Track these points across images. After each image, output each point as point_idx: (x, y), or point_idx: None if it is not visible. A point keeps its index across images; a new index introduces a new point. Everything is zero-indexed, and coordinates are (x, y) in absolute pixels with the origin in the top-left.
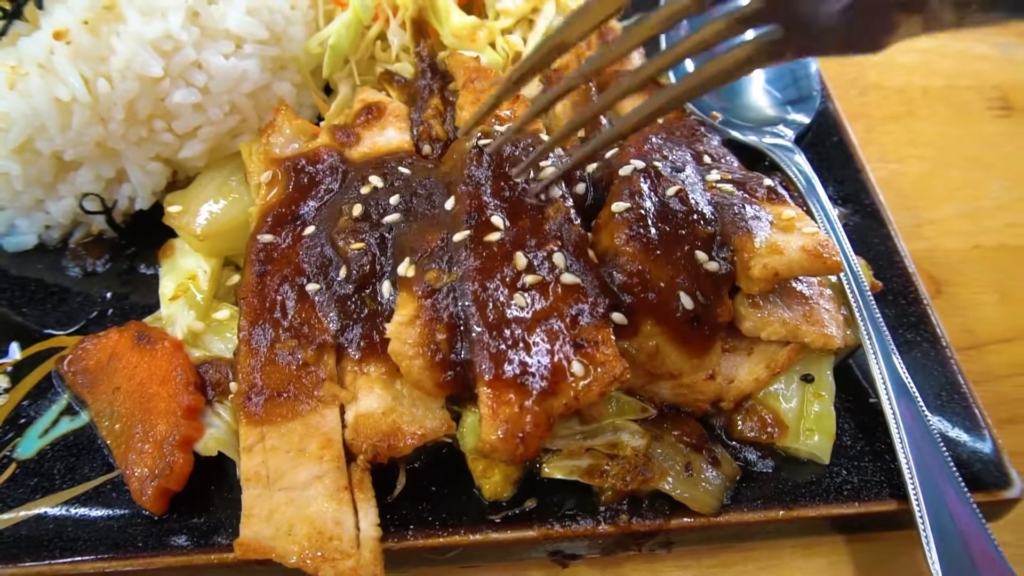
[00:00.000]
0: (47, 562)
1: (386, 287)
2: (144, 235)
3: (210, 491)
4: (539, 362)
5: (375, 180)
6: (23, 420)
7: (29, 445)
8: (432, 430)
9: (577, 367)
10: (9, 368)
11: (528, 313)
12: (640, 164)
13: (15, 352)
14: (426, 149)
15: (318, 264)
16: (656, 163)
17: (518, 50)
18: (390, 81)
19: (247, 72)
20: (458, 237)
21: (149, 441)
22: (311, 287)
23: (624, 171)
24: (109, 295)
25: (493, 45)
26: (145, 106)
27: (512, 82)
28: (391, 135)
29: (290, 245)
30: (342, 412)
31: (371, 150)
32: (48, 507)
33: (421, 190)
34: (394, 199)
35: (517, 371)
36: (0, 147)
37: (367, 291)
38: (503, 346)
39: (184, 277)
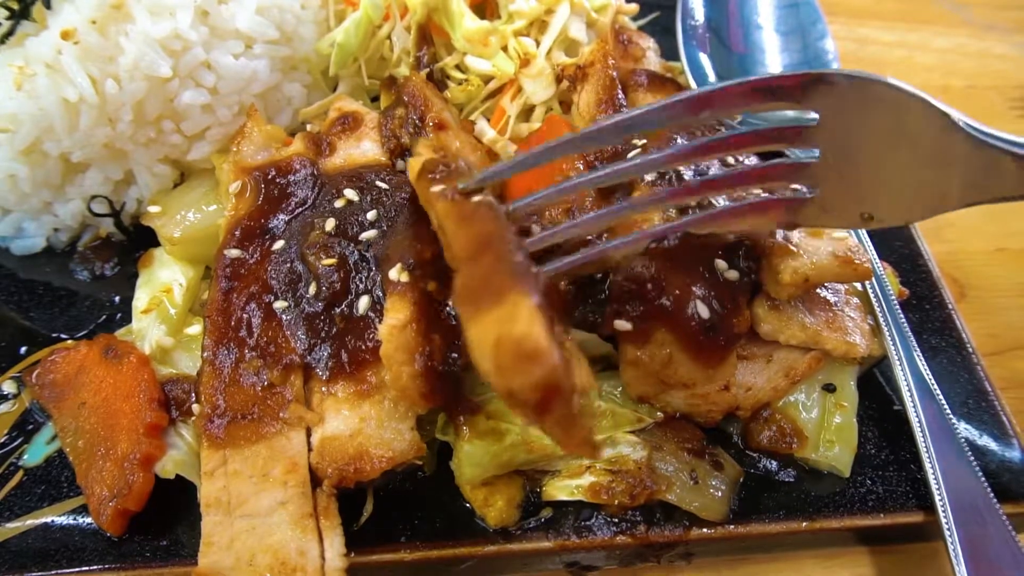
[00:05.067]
0: (54, 572)
1: (364, 302)
2: (152, 239)
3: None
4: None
5: (350, 193)
6: (31, 426)
7: (37, 452)
8: (401, 453)
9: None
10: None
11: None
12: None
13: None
14: (400, 164)
15: (287, 281)
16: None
17: (531, 53)
18: (389, 88)
19: (257, 72)
20: None
21: (110, 459)
22: (279, 305)
23: (648, 176)
24: (117, 299)
25: (505, 48)
26: (154, 107)
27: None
28: (367, 147)
29: (258, 261)
30: (308, 435)
31: (346, 162)
32: (55, 516)
33: (402, 206)
34: (372, 214)
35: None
36: (8, 149)
37: (337, 309)
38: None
39: (159, 290)
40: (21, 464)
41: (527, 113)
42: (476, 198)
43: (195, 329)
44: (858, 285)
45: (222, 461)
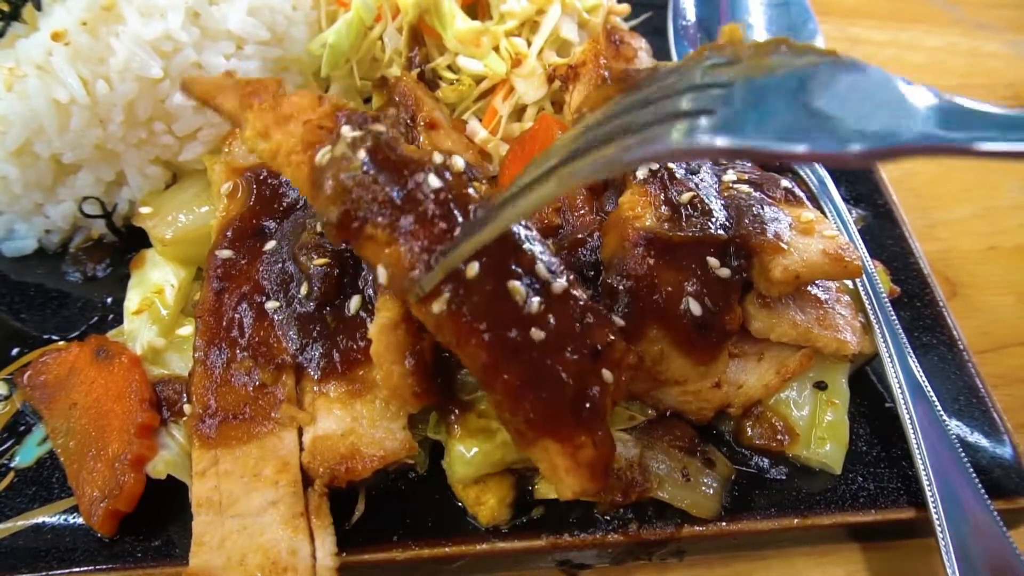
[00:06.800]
0: (44, 573)
1: (355, 301)
2: (145, 240)
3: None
4: (587, 390)
5: None
6: (22, 427)
7: (28, 453)
8: (392, 452)
9: (607, 374)
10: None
11: (549, 337)
12: (654, 165)
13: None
14: None
15: (279, 281)
16: (670, 164)
17: (523, 53)
18: (381, 88)
19: (248, 73)
20: None
21: (101, 460)
22: (270, 305)
23: (639, 173)
24: (110, 300)
25: (497, 49)
26: (145, 108)
27: None
28: None
29: (249, 261)
30: (300, 435)
31: None
32: (46, 517)
33: None
34: None
35: (573, 410)
36: None
37: (329, 309)
38: (548, 389)
39: (150, 291)
40: (12, 466)
41: (519, 113)
42: (437, 307)
43: (187, 330)
44: (849, 283)
45: (213, 461)
